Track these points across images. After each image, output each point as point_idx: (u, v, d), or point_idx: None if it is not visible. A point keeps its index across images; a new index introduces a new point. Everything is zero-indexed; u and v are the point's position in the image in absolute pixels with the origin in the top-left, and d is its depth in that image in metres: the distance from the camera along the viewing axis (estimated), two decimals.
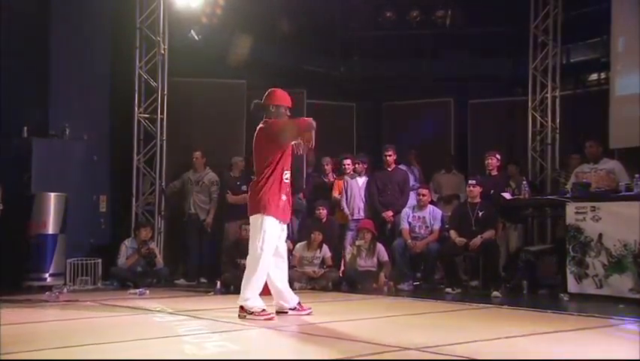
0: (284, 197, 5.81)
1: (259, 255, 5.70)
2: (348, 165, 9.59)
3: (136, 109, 9.78)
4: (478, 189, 8.40)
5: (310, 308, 6.04)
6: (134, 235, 9.11)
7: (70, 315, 6.13)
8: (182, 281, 9.29)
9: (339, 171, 9.80)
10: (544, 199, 8.50)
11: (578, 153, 8.76)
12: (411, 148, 10.42)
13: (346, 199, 9.42)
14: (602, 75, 10.90)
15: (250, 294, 5.69)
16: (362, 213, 9.31)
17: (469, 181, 8.60)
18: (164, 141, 9.86)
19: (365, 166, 9.51)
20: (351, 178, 9.48)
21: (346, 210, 9.39)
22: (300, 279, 8.50)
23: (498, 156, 9.04)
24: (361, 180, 9.45)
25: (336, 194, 9.64)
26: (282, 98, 6.00)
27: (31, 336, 4.98)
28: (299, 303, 6.03)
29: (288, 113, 6.00)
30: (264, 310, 5.67)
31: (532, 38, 10.37)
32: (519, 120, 10.67)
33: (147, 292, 7.86)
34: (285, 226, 6.07)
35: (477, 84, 11.58)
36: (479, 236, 8.12)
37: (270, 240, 5.74)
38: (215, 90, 10.37)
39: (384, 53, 12.26)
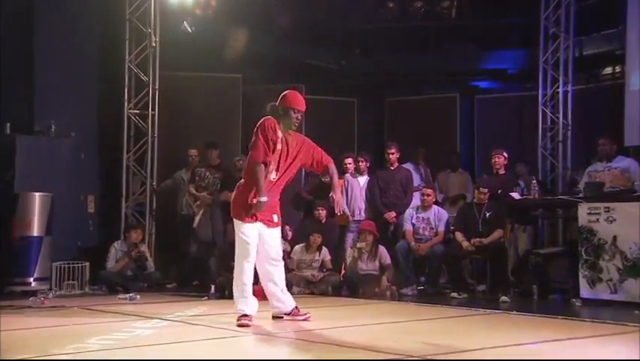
0: (263, 198, 5.53)
1: (237, 260, 5.67)
2: (349, 163, 9.40)
3: (126, 105, 9.64)
4: (487, 195, 8.28)
5: (308, 314, 5.89)
6: (124, 237, 9.03)
7: (56, 322, 5.98)
8: (174, 285, 9.15)
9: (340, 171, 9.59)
10: (555, 199, 8.44)
11: None
12: (419, 146, 10.28)
13: (347, 200, 9.22)
14: (617, 69, 10.75)
15: (235, 297, 5.66)
16: (363, 214, 9.13)
17: (481, 190, 8.38)
18: (156, 138, 9.71)
19: (367, 164, 9.32)
20: (353, 177, 9.28)
21: (347, 210, 9.13)
22: (299, 283, 8.35)
23: (505, 155, 8.86)
24: (362, 180, 9.27)
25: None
26: (293, 100, 5.72)
27: (22, 343, 4.87)
28: (296, 308, 5.88)
29: (299, 117, 5.72)
30: (244, 315, 5.55)
31: (543, 30, 10.26)
32: (528, 116, 10.56)
33: (138, 297, 7.68)
34: (270, 225, 5.77)
35: (484, 78, 11.51)
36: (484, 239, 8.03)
37: (245, 243, 5.61)
38: (209, 85, 10.32)
39: (386, 46, 12.13)
